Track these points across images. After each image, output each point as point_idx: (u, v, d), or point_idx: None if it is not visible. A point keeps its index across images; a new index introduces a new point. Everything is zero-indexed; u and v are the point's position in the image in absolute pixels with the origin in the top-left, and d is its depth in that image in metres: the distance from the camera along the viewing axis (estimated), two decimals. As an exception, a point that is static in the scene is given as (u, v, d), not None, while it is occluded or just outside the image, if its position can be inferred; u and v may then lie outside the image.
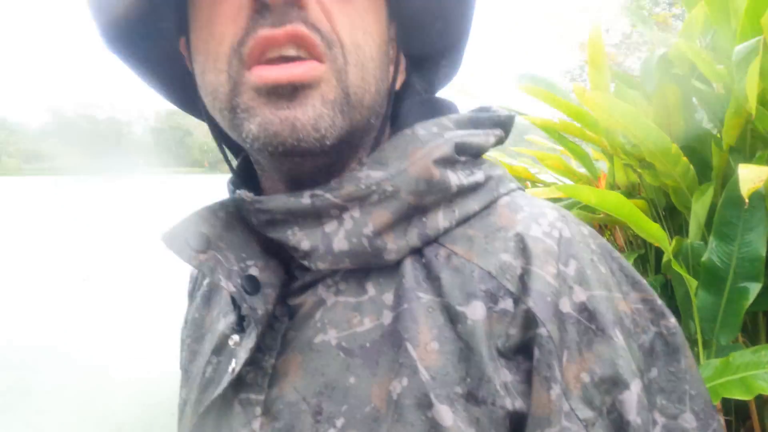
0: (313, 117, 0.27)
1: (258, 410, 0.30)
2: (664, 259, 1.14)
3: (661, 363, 0.29)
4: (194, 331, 0.40)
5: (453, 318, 0.28)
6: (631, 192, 1.51)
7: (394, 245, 0.29)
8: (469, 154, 0.32)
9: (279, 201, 0.29)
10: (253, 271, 0.30)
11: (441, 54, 0.37)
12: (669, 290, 1.28)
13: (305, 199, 0.29)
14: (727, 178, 1.17)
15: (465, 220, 0.31)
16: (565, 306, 0.27)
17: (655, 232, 1.11)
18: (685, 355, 0.30)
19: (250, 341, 0.30)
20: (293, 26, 0.26)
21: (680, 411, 0.29)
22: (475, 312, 0.28)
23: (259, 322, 0.29)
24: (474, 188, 0.31)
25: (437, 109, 0.35)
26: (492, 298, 0.28)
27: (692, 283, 1.06)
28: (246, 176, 0.37)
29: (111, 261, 6.44)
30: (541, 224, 0.30)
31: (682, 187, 1.27)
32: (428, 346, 0.28)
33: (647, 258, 1.42)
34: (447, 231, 0.30)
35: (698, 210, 1.18)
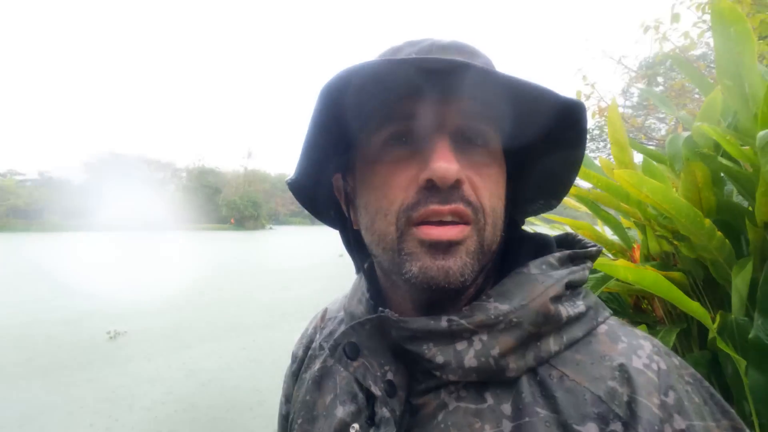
0: (461, 266, 0.35)
1: None
2: (710, 336, 1.13)
3: None
4: (306, 412, 0.47)
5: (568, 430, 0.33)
6: (666, 263, 1.52)
7: (515, 365, 0.35)
8: (573, 287, 0.39)
9: (421, 323, 0.36)
10: (390, 376, 0.37)
11: (541, 198, 0.46)
12: (717, 367, 1.25)
13: (443, 323, 0.36)
14: (766, 253, 1.18)
15: (571, 345, 0.36)
16: (668, 429, 0.31)
17: (696, 309, 1.12)
18: None
19: None
20: (456, 205, 0.35)
21: None
22: (590, 430, 0.32)
23: (397, 421, 0.36)
24: (578, 318, 0.37)
25: (539, 243, 0.44)
26: (603, 420, 0.32)
27: (741, 363, 1.04)
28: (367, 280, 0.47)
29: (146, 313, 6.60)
30: (641, 356, 0.35)
31: (719, 260, 1.28)
32: None
33: (690, 332, 1.39)
34: (557, 354, 0.36)
35: (739, 284, 1.18)
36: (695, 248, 1.32)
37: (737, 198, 1.37)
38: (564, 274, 0.38)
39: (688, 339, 1.39)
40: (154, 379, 4.12)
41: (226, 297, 8.36)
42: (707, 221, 1.24)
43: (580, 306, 0.38)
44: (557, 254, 0.40)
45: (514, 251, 0.43)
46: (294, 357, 0.54)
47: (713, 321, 1.15)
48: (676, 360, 0.36)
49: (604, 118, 5.67)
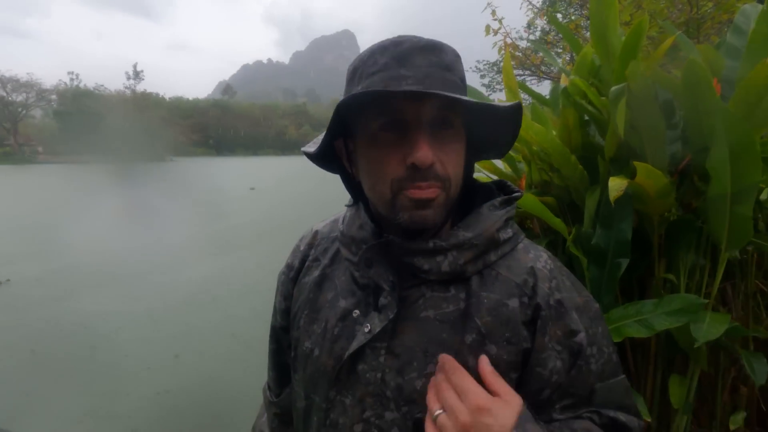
0: (435, 215, 0.55)
1: (383, 351, 0.56)
2: (567, 244, 1.50)
3: (600, 324, 0.59)
4: (310, 305, 0.65)
5: (501, 305, 0.56)
6: (543, 190, 1.89)
7: (471, 269, 0.57)
8: (507, 221, 0.61)
9: (417, 244, 0.56)
10: (392, 278, 0.57)
11: (493, 151, 0.66)
12: (571, 266, 1.67)
13: (430, 245, 0.56)
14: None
15: (503, 256, 0.59)
16: (552, 300, 0.56)
17: (559, 225, 1.48)
18: (604, 319, 0.61)
19: (385, 317, 0.55)
20: (431, 182, 0.53)
21: (609, 349, 0.58)
22: (513, 303, 0.56)
23: (396, 306, 0.56)
24: (508, 239, 0.59)
25: (487, 190, 0.64)
26: (520, 296, 0.56)
27: (584, 261, 1.43)
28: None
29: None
30: (541, 261, 0.60)
31: (579, 188, 1.65)
32: (484, 318, 0.55)
33: (557, 242, 1.80)
34: (494, 262, 0.58)
35: (590, 205, 1.56)
36: (563, 178, 1.67)
37: (598, 139, 1.73)
38: (502, 214, 0.59)
39: (555, 247, 1.80)
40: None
41: (126, 240, 7.80)
42: (573, 157, 1.58)
43: (509, 232, 0.60)
44: (499, 199, 0.61)
45: (471, 196, 0.63)
46: (290, 267, 0.71)
47: (570, 233, 1.53)
48: (558, 263, 0.62)
49: (510, 52, 6.03)
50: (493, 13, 5.44)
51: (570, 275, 0.61)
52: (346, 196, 0.69)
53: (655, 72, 1.36)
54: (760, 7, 1.48)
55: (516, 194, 0.62)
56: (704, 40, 4.19)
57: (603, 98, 1.52)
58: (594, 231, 1.51)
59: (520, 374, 0.55)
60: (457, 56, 0.56)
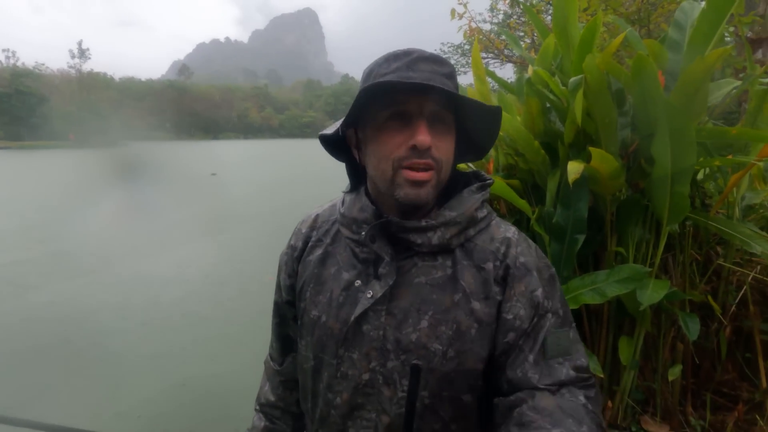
0: (427, 194, 0.64)
1: (383, 312, 0.66)
2: (531, 222, 1.64)
3: (554, 285, 0.69)
4: (315, 280, 0.74)
5: (479, 269, 0.66)
6: (509, 173, 2.02)
7: (455, 242, 0.67)
8: (483, 202, 0.72)
9: (412, 223, 0.66)
10: (390, 251, 0.67)
11: (471, 153, 0.77)
12: (534, 242, 1.82)
13: (423, 223, 0.66)
14: (568, 165, 1.70)
15: (480, 231, 0.69)
16: (518, 263, 0.67)
17: (523, 205, 1.61)
18: (559, 282, 0.71)
19: (385, 283, 0.65)
20: (427, 160, 0.62)
21: (560, 306, 0.67)
22: (489, 266, 0.66)
23: (394, 274, 0.66)
24: (484, 218, 0.70)
25: (467, 178, 0.74)
26: (494, 260, 0.67)
27: (546, 238, 1.58)
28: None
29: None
30: (510, 232, 0.70)
31: (542, 171, 1.79)
32: (468, 280, 0.65)
33: (521, 221, 1.95)
34: (473, 236, 0.69)
35: (551, 187, 1.71)
36: (528, 162, 1.81)
37: (558, 125, 1.87)
38: (479, 197, 0.70)
39: (520, 226, 1.95)
40: None
41: (79, 229, 7.44)
42: (536, 143, 1.71)
43: (484, 212, 0.71)
44: (475, 185, 0.72)
45: (455, 182, 0.73)
46: (293, 248, 0.80)
47: (534, 213, 1.67)
48: (524, 235, 0.74)
49: (472, 38, 6.15)
50: (458, -3, 5.51)
51: (533, 244, 0.72)
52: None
53: (608, 64, 1.50)
54: (697, 4, 1.65)
55: (489, 181, 0.73)
56: (654, 27, 4.47)
57: (563, 88, 1.65)
58: (555, 210, 1.66)
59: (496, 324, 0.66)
60: (454, 70, 0.68)
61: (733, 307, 1.80)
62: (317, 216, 0.81)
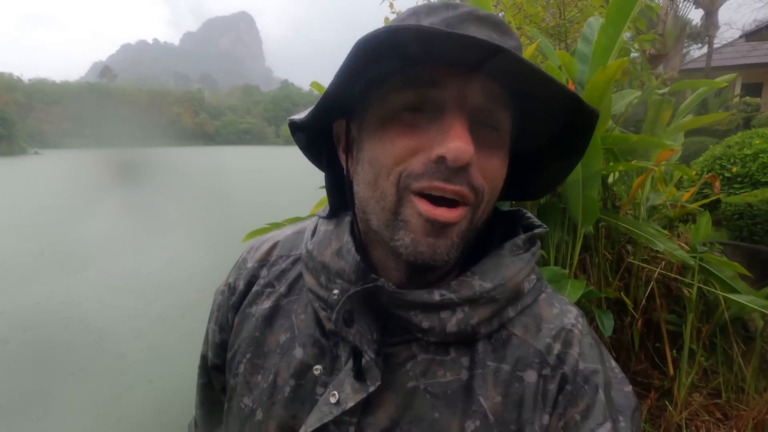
0: (449, 247, 0.38)
1: (352, 429, 0.40)
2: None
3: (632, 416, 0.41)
4: (255, 348, 0.48)
5: (514, 380, 0.40)
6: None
7: (484, 330, 0.41)
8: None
9: (416, 295, 0.40)
10: (376, 336, 0.40)
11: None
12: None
13: (436, 297, 0.40)
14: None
15: (522, 311, 0.43)
16: (579, 373, 0.41)
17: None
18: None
19: (363, 388, 0.39)
20: (461, 188, 0.37)
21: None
22: (530, 377, 0.40)
23: (380, 374, 0.39)
24: (531, 290, 0.43)
25: (508, 221, 0.48)
26: (541, 366, 0.41)
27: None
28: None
29: None
30: (570, 319, 0.43)
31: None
32: (491, 397, 0.40)
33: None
34: (511, 319, 0.42)
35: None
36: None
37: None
38: (529, 258, 0.44)
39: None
40: None
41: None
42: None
43: (533, 279, 0.44)
44: (522, 237, 0.45)
45: (487, 228, 0.46)
46: (231, 288, 0.53)
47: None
48: (586, 321, 0.46)
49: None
50: (391, 5, 5.58)
51: (596, 337, 0.45)
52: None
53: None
54: (601, 20, 1.76)
55: (540, 230, 0.46)
56: (572, 42, 4.83)
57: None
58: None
59: None
60: (521, 48, 0.43)
61: (644, 302, 1.93)
62: (274, 246, 0.53)
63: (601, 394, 0.40)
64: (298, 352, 0.45)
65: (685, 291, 1.92)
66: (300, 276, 0.49)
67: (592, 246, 1.88)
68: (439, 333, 0.40)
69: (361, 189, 0.42)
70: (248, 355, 0.48)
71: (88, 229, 7.88)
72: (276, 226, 1.86)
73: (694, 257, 1.73)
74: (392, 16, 5.77)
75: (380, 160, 0.38)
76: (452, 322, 0.40)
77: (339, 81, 0.38)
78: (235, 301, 0.52)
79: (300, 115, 0.46)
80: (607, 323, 1.62)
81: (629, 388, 0.43)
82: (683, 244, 2.02)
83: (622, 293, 1.83)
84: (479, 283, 0.41)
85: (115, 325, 4.00)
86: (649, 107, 1.77)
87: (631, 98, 1.73)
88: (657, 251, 1.94)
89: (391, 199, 0.38)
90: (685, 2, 13.82)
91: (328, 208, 0.50)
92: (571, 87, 1.54)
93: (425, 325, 0.40)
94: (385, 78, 0.38)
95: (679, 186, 3.23)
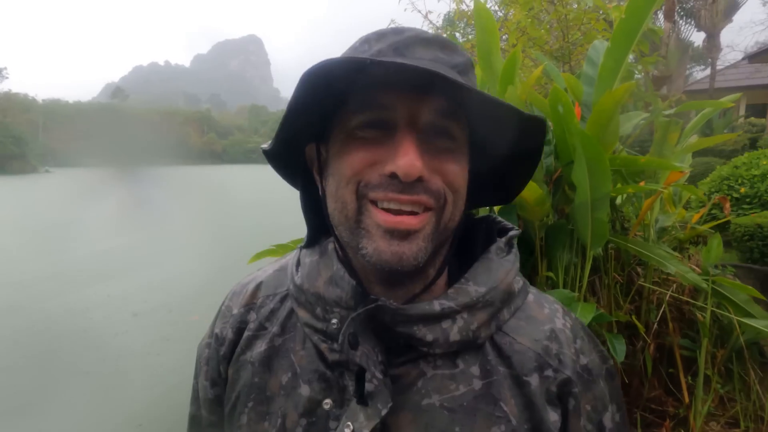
0: (416, 251, 0.39)
1: None
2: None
3: (618, 390, 0.47)
4: (257, 394, 0.46)
5: (521, 384, 0.42)
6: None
7: (484, 334, 0.43)
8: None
9: (418, 309, 0.41)
10: (381, 357, 0.40)
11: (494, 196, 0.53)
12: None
13: (437, 307, 0.41)
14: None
15: (515, 313, 0.45)
16: (578, 368, 0.44)
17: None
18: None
19: (376, 412, 0.38)
20: (418, 196, 0.39)
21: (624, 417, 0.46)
22: (534, 379, 0.42)
23: (390, 395, 0.39)
24: (519, 291, 0.46)
25: (487, 226, 0.50)
26: (541, 369, 0.43)
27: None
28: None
29: None
30: (559, 318, 0.46)
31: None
32: (511, 402, 0.42)
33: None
34: (507, 321, 0.44)
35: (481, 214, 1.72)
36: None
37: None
38: (513, 259, 0.46)
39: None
40: None
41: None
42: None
43: (519, 281, 0.47)
44: (503, 240, 0.48)
45: (468, 234, 0.50)
46: (219, 339, 0.51)
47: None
48: (573, 315, 0.49)
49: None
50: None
51: (587, 330, 0.48)
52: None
53: (529, 94, 1.56)
54: (606, 43, 1.78)
55: (514, 232, 0.49)
56: (576, 64, 4.88)
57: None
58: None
59: None
60: (471, 63, 0.45)
61: (655, 325, 1.88)
62: (258, 287, 0.52)
63: (601, 384, 0.45)
64: (305, 390, 0.44)
65: (699, 315, 1.87)
66: (291, 313, 0.48)
67: (602, 268, 1.85)
68: (443, 343, 0.41)
69: (329, 203, 0.44)
70: (250, 404, 0.46)
71: (94, 246, 7.92)
72: (282, 247, 1.85)
73: (707, 280, 1.70)
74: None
75: (341, 171, 0.41)
76: (454, 330, 0.41)
77: (288, 111, 0.42)
78: (225, 352, 0.50)
79: (269, 144, 0.48)
80: (619, 348, 1.58)
81: (611, 362, 0.48)
82: (694, 267, 1.98)
83: (633, 316, 1.78)
84: (474, 288, 0.43)
85: (119, 340, 3.97)
86: (657, 129, 1.77)
87: (638, 120, 1.73)
88: (668, 274, 1.90)
89: (352, 206, 0.41)
90: (687, 25, 14.02)
91: (306, 237, 0.51)
92: (577, 109, 1.54)
93: (429, 337, 0.41)
94: (343, 102, 0.41)
95: (687, 207, 3.20)
